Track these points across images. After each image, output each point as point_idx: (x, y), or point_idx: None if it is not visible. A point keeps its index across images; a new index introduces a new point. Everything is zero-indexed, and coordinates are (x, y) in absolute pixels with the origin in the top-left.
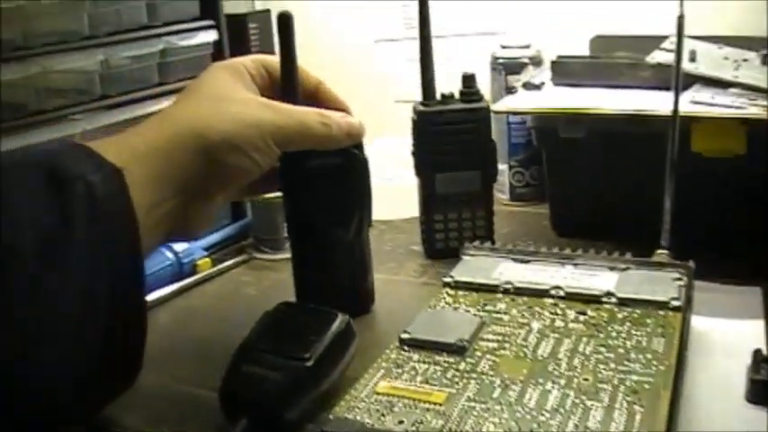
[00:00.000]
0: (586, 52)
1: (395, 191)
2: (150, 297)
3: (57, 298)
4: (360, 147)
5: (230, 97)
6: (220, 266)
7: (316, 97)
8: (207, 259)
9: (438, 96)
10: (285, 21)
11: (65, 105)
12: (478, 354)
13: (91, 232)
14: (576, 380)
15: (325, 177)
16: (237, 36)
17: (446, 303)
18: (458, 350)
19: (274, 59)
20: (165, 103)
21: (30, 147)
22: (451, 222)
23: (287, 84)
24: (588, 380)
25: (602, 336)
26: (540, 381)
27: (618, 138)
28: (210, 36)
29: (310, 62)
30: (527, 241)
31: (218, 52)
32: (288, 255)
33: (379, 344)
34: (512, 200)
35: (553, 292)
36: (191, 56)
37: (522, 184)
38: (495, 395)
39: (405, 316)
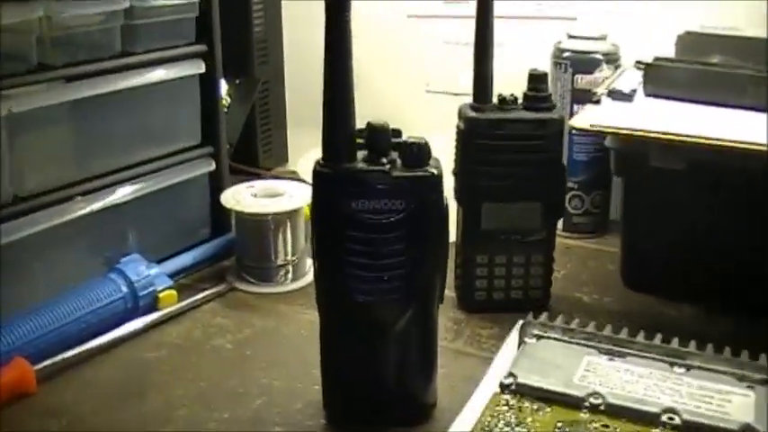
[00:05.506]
0: (671, 52)
1: None
2: (88, 345)
3: None
4: (437, 186)
5: None
6: (190, 301)
7: None
8: (172, 291)
9: (494, 99)
10: (338, 4)
11: None
12: None
13: None
14: None
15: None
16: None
17: (505, 425)
18: None
19: None
20: (130, 80)
21: None
22: (498, 268)
23: (338, 102)
24: None
25: None
26: None
27: (725, 173)
28: None
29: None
30: (591, 295)
31: (203, 16)
32: (278, 289)
33: None
34: (565, 230)
35: (665, 418)
36: (167, 18)
37: (581, 212)
38: None
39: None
